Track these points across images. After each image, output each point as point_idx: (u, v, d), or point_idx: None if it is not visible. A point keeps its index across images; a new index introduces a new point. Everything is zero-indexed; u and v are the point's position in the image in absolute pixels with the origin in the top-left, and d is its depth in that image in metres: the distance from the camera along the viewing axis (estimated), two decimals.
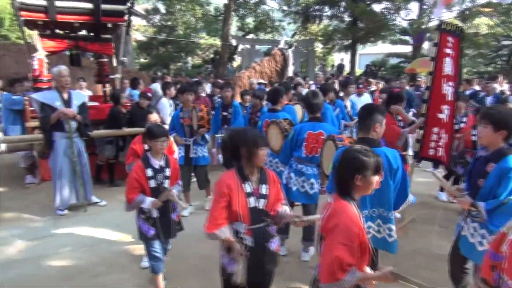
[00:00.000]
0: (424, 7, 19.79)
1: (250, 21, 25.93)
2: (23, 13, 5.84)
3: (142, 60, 25.25)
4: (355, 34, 22.21)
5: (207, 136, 5.56)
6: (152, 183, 3.11)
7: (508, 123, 2.54)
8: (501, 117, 2.54)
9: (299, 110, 5.46)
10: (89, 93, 8.03)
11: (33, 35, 6.17)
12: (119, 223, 4.78)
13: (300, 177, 3.87)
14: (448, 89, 4.07)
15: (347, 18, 23.20)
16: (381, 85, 11.00)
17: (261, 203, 2.40)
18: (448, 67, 4.05)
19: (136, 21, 21.26)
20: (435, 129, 4.14)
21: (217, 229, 2.31)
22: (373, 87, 10.70)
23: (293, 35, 25.36)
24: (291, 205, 3.84)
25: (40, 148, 6.02)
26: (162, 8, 24.24)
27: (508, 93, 8.94)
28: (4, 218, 5.04)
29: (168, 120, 5.98)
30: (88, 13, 6.19)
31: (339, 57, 26.81)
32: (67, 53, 7.63)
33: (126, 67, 12.20)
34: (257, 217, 2.40)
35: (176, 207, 3.28)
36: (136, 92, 7.85)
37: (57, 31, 6.53)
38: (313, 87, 10.16)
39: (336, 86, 9.50)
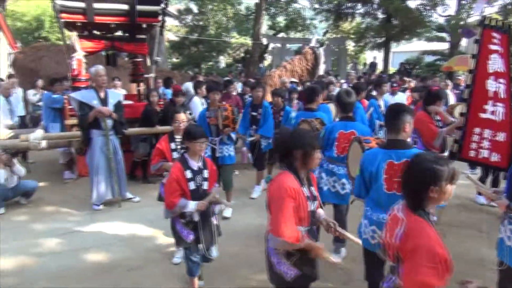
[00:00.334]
0: (463, 2, 19.02)
1: (281, 19, 25.83)
2: (63, 15, 6.08)
3: (174, 59, 25.71)
4: (389, 32, 21.66)
5: (233, 135, 5.55)
6: (192, 185, 3.01)
7: None
8: None
9: (332, 109, 5.38)
10: (123, 92, 8.26)
11: (72, 36, 6.40)
12: (152, 219, 4.89)
13: (331, 177, 3.81)
14: (499, 87, 3.85)
15: (380, 15, 22.69)
16: (413, 83, 10.68)
17: (314, 206, 2.39)
18: (496, 63, 3.84)
19: (169, 21, 21.64)
20: (477, 130, 3.94)
21: (299, 236, 2.20)
22: (407, 86, 10.41)
23: (324, 33, 25.08)
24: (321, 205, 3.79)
25: (78, 145, 6.24)
26: (194, 8, 24.58)
27: None
28: (45, 211, 5.27)
29: None
30: (124, 14, 6.38)
31: (372, 55, 26.26)
32: (103, 53, 7.87)
33: (159, 67, 12.45)
34: (311, 219, 2.38)
35: (215, 209, 3.22)
36: (169, 91, 8.00)
37: (95, 32, 6.76)
38: (344, 86, 9.99)
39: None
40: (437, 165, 1.76)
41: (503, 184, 3.46)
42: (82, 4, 6.05)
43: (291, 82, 9.48)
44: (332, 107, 5.39)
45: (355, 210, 3.91)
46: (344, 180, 3.78)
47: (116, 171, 5.34)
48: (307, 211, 2.30)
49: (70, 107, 5.97)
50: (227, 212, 5.02)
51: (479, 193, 5.45)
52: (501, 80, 3.88)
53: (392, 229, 1.88)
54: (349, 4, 23.13)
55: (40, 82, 8.42)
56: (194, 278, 3.24)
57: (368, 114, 5.61)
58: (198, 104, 6.81)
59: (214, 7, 23.65)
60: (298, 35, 25.32)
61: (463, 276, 3.56)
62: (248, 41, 23.64)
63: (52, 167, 7.29)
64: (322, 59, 11.66)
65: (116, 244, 4.33)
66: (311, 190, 2.39)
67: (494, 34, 3.85)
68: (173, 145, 3.73)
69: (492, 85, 3.86)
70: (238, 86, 10.04)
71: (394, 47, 27.14)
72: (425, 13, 20.52)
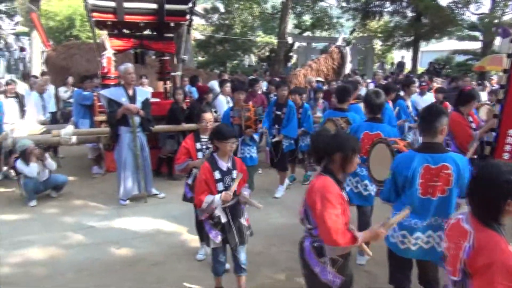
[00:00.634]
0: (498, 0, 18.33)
1: (307, 18, 25.64)
2: (94, 14, 6.25)
3: (200, 58, 25.96)
4: (418, 31, 21.10)
5: (256, 136, 5.52)
6: (220, 186, 2.98)
7: None
8: None
9: (363, 110, 5.25)
10: (150, 89, 8.40)
11: (103, 35, 6.57)
12: (176, 215, 4.96)
13: (354, 178, 3.75)
14: None
15: (410, 14, 22.12)
16: (440, 83, 10.38)
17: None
18: None
19: (195, 20, 21.85)
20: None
21: (352, 236, 2.13)
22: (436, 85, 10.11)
23: (351, 32, 24.71)
24: None
25: (106, 141, 6.40)
26: (221, 7, 24.73)
27: None
28: (74, 205, 5.44)
29: None
30: (152, 13, 6.49)
31: (399, 55, 25.68)
32: (132, 51, 8.04)
33: (186, 65, 12.59)
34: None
35: (244, 210, 3.18)
36: (195, 89, 8.09)
37: (124, 30, 6.90)
38: (371, 86, 9.81)
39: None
40: None
41: None
42: (112, 4, 6.20)
43: (317, 81, 9.40)
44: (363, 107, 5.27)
45: (377, 211, 3.85)
46: (366, 182, 3.71)
47: (143, 167, 5.43)
48: (348, 216, 2.21)
49: (100, 104, 6.14)
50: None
51: None
52: None
53: (456, 241, 1.75)
54: (378, 2, 22.68)
55: (70, 80, 8.69)
56: (219, 277, 3.25)
57: (395, 112, 5.45)
58: (223, 103, 6.86)
59: (240, 6, 23.72)
60: (324, 34, 25.04)
61: None
62: (274, 40, 23.57)
63: (81, 162, 7.51)
64: (349, 58, 11.51)
65: (141, 239, 4.41)
66: (346, 194, 2.34)
67: None
68: (198, 145, 3.67)
69: None
70: (263, 85, 10.04)
71: (423, 46, 26.44)
72: (457, 11, 19.87)
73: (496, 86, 7.90)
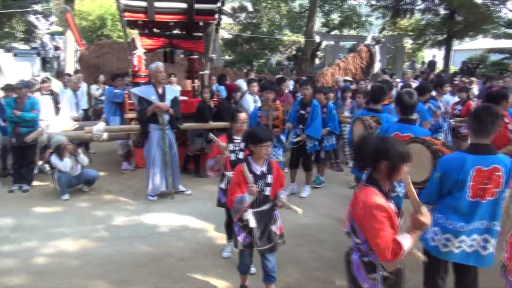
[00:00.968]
0: None
1: (335, 17, 25.35)
2: (126, 14, 6.41)
3: (226, 57, 26.14)
4: (451, 29, 20.44)
5: (283, 137, 5.47)
6: None
7: None
8: None
9: None
10: (179, 88, 8.53)
11: (133, 34, 6.72)
12: (203, 212, 5.02)
13: None
14: None
15: (442, 11, 21.46)
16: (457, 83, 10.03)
17: (401, 221, 2.15)
18: None
19: (223, 19, 22.05)
20: None
21: (402, 249, 1.94)
22: (473, 86, 9.80)
23: (381, 31, 24.22)
24: None
25: (135, 138, 6.57)
26: (249, 6, 24.81)
27: None
28: (104, 199, 5.60)
29: None
30: (182, 13, 6.59)
31: (430, 54, 24.96)
32: (161, 50, 8.18)
33: (213, 64, 12.72)
34: None
35: (277, 218, 3.06)
36: (223, 88, 8.15)
37: (154, 30, 7.04)
38: (400, 85, 9.59)
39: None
40: None
41: None
42: (144, 3, 6.33)
43: (345, 80, 9.27)
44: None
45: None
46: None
47: (171, 164, 5.52)
48: (396, 227, 2.05)
49: (130, 101, 6.28)
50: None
51: None
52: None
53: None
54: (408, 0, 22.14)
55: (101, 78, 8.94)
56: (245, 275, 3.25)
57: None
58: (250, 102, 6.87)
59: (268, 5, 23.72)
60: (352, 32, 24.68)
61: None
62: (301, 38, 23.43)
63: (111, 158, 7.72)
64: (378, 57, 11.30)
65: (168, 234, 4.49)
66: (396, 203, 2.16)
67: None
68: (231, 146, 3.56)
69: None
70: (290, 84, 10.01)
71: (456, 45, 25.59)
72: (493, 8, 19.13)
73: None
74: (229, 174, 3.50)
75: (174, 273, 3.65)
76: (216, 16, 6.87)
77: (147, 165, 5.56)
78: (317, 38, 21.23)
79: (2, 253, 3.97)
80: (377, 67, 11.36)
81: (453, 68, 22.85)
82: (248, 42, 24.06)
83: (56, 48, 27.21)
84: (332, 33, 24.37)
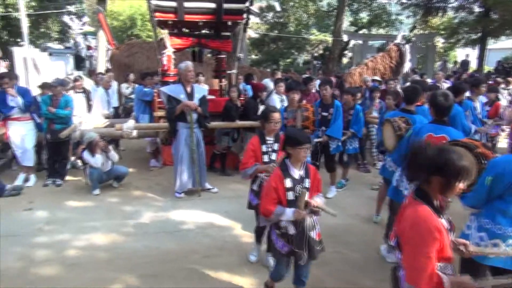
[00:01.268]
0: None
1: (364, 15, 24.94)
2: (157, 14, 6.53)
3: (253, 56, 26.21)
4: (486, 27, 19.69)
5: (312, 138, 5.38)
6: (290, 195, 2.74)
7: None
8: None
9: None
10: (206, 87, 8.62)
11: (163, 34, 6.84)
12: (228, 210, 5.06)
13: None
14: None
15: (477, 9, 20.71)
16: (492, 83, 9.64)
17: (452, 235, 1.99)
18: None
19: (251, 19, 22.11)
20: None
21: (438, 282, 1.81)
22: (510, 87, 9.42)
23: (411, 29, 23.62)
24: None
25: (164, 136, 6.69)
26: (277, 5, 24.78)
27: None
28: (133, 195, 5.73)
29: None
30: (211, 13, 6.65)
31: (463, 53, 24.14)
32: (189, 49, 8.28)
33: (240, 63, 12.78)
34: None
35: (316, 224, 2.91)
36: (249, 87, 8.17)
37: (184, 29, 7.14)
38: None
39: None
40: None
41: None
42: (174, 4, 6.44)
43: (373, 80, 9.11)
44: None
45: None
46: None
47: (198, 162, 5.59)
48: (446, 247, 1.86)
49: (159, 100, 6.39)
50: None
51: None
52: None
53: None
54: None
55: (131, 76, 9.15)
56: (275, 282, 3.10)
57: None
58: (277, 101, 6.86)
59: (295, 4, 23.61)
60: (381, 31, 24.20)
61: None
62: (328, 37, 23.20)
63: (139, 155, 7.90)
64: (408, 56, 11.02)
65: (195, 231, 4.55)
66: (449, 219, 1.97)
67: None
68: (264, 148, 3.47)
69: None
70: (316, 83, 9.92)
71: (491, 44, 24.62)
72: None
73: None
74: (262, 175, 3.46)
75: (200, 270, 3.69)
76: (244, 15, 6.90)
77: (174, 162, 5.65)
78: (345, 37, 20.94)
79: (36, 244, 4.14)
80: (407, 66, 11.08)
81: (487, 68, 22.01)
82: (275, 41, 24.04)
83: (89, 48, 28.12)
84: (361, 32, 23.98)
